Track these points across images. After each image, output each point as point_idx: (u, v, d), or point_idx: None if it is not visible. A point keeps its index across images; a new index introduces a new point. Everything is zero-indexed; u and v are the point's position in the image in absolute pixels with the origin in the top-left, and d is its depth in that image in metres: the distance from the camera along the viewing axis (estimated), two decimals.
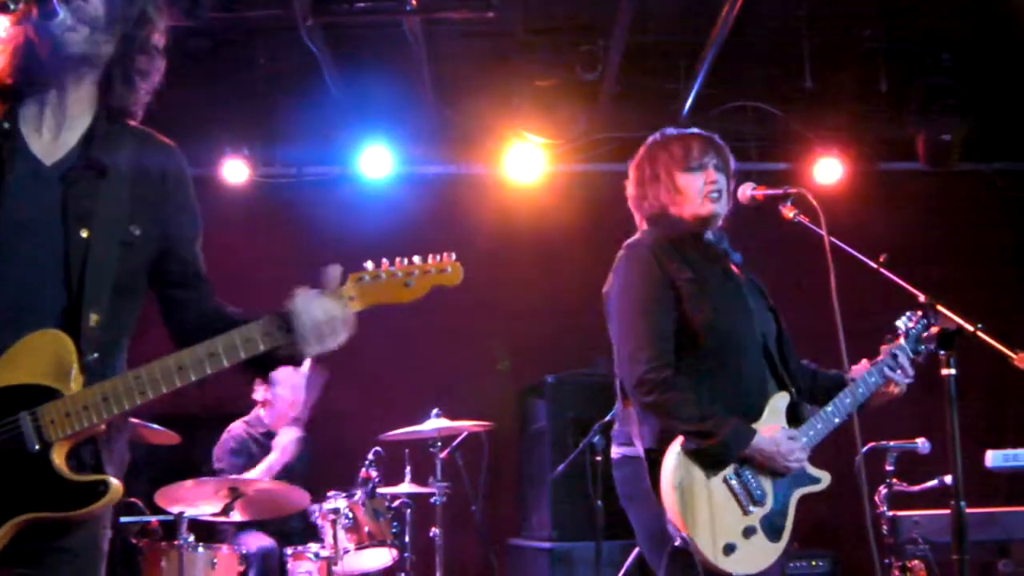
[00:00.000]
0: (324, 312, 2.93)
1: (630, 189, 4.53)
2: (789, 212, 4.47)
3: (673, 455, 4.01)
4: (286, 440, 7.36)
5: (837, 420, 4.33)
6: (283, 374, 7.42)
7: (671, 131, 4.56)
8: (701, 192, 4.36)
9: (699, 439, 4.02)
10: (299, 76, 8.53)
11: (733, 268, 4.42)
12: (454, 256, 3.09)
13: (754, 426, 4.14)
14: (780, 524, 4.14)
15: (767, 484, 4.13)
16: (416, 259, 3.05)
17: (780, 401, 4.26)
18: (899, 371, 4.44)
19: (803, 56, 8.45)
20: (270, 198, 9.24)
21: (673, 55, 8.68)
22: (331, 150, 9.21)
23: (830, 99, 8.85)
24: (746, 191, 4.58)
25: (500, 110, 8.91)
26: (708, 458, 4.03)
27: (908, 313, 4.58)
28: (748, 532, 4.05)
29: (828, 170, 9.20)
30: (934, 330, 3.94)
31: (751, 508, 4.07)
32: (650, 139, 4.56)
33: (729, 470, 4.07)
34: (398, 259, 3.04)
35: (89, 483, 2.81)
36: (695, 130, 4.55)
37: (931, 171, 9.20)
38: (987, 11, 8.07)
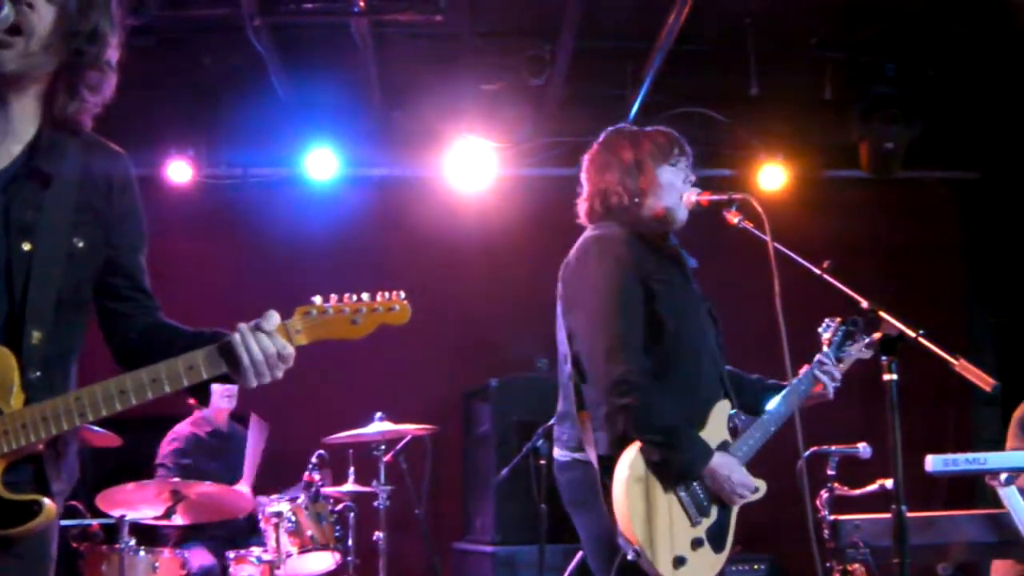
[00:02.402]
0: (267, 348, 2.88)
1: (596, 177, 4.45)
2: (734, 218, 4.48)
3: (626, 465, 3.98)
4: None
5: (773, 428, 4.40)
6: None
7: (643, 127, 4.57)
8: (680, 190, 4.41)
9: (663, 451, 4.00)
10: (245, 76, 8.48)
11: (690, 276, 4.44)
12: (403, 295, 3.09)
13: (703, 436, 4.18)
14: (724, 534, 4.17)
15: (712, 495, 4.15)
16: (365, 296, 3.04)
17: (722, 410, 4.29)
18: (827, 375, 4.54)
19: (749, 63, 8.50)
20: (215, 199, 9.17)
21: (620, 60, 8.71)
22: (277, 151, 9.14)
23: (775, 106, 8.91)
24: (691, 196, 4.58)
25: (447, 113, 8.89)
26: (668, 471, 4.02)
27: (826, 321, 4.71)
28: (696, 544, 4.05)
29: (772, 176, 9.28)
30: (876, 336, 3.97)
31: (699, 519, 4.08)
32: (625, 128, 4.56)
33: (679, 483, 4.07)
34: (347, 296, 3.01)
35: (24, 503, 2.76)
36: (662, 127, 4.60)
37: (874, 179, 9.30)
38: (930, 23, 8.16)
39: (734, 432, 4.33)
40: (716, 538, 4.12)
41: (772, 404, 4.43)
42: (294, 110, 8.76)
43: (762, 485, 4.29)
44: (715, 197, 4.51)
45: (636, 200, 4.34)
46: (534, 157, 9.26)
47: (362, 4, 7.38)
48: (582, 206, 4.50)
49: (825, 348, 4.65)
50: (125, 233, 3.05)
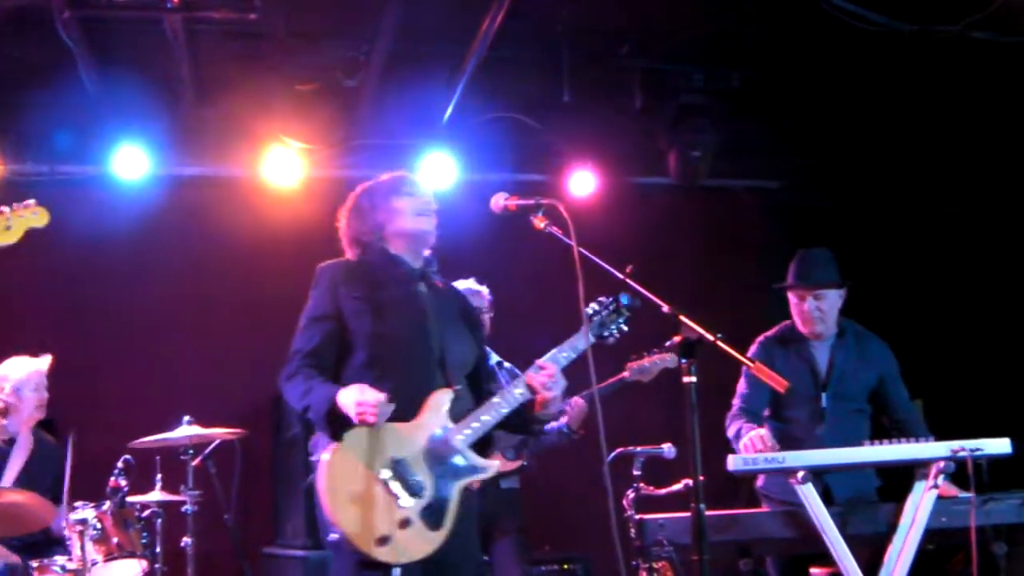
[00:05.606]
0: None
1: (344, 225, 4.92)
2: (540, 223, 4.57)
3: (325, 460, 4.34)
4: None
5: (506, 410, 4.55)
6: (26, 373, 7.17)
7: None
8: (415, 210, 4.76)
9: (305, 413, 4.45)
10: (54, 71, 8.23)
11: (426, 289, 4.73)
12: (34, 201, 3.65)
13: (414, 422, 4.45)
14: (441, 514, 4.39)
15: (426, 478, 4.39)
16: (4, 208, 3.69)
17: (440, 398, 4.51)
18: (539, 381, 4.56)
19: (562, 71, 8.61)
20: (20, 196, 8.82)
21: (435, 64, 8.73)
22: (85, 149, 8.91)
23: (586, 113, 9.03)
24: (499, 201, 4.68)
25: (259, 113, 8.78)
26: (318, 427, 4.43)
27: (600, 299, 4.64)
28: (404, 524, 4.31)
29: (582, 182, 9.44)
30: (676, 339, 4.07)
31: (407, 500, 4.32)
32: (363, 184, 5.01)
33: (386, 466, 4.33)
34: None
35: None
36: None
37: (681, 186, 9.51)
38: (737, 34, 8.38)
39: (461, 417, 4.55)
40: (432, 516, 4.36)
41: (502, 392, 4.61)
42: (104, 107, 8.54)
43: (492, 465, 4.55)
44: (522, 202, 4.63)
45: (379, 232, 4.78)
46: (347, 159, 9.20)
47: (175, 1, 7.26)
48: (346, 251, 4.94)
49: (583, 329, 4.60)
50: None
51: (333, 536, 4.27)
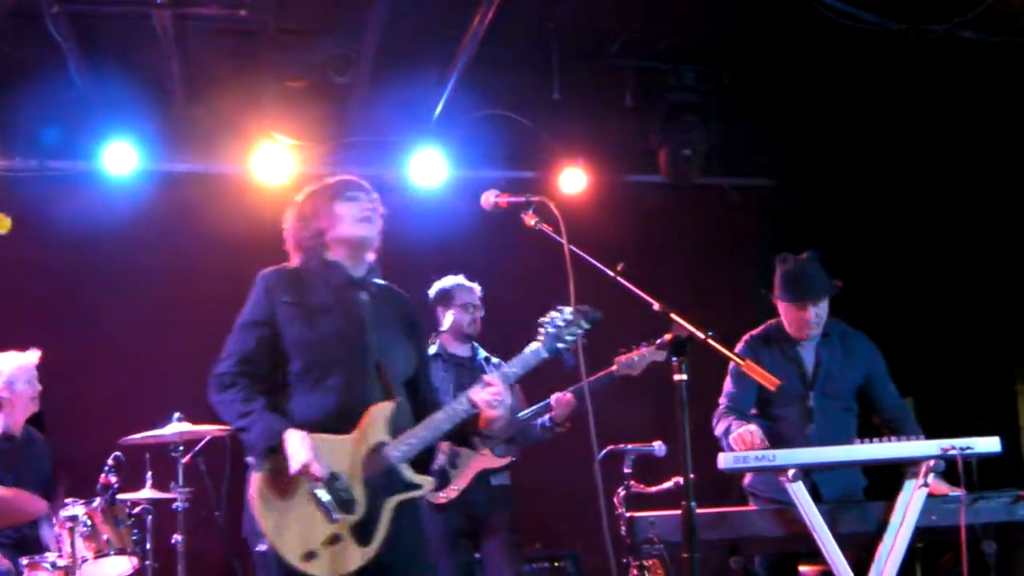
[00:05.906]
0: None
1: (288, 227, 4.86)
2: (531, 220, 4.57)
3: (259, 469, 4.34)
4: None
5: (446, 427, 4.51)
6: (16, 366, 7.14)
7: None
8: (356, 216, 4.67)
9: (242, 435, 4.38)
10: (42, 66, 8.21)
11: (367, 297, 4.68)
12: None
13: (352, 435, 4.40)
14: (371, 530, 4.33)
15: (360, 493, 4.35)
16: None
17: (380, 411, 4.45)
18: (483, 398, 4.52)
19: (552, 68, 8.61)
20: (9, 193, 8.86)
21: (425, 61, 8.72)
22: (75, 144, 8.88)
23: (576, 111, 9.04)
24: (489, 198, 4.68)
25: (249, 110, 8.77)
26: (251, 453, 4.37)
27: (558, 307, 4.59)
28: (333, 540, 4.28)
29: (572, 180, 9.42)
30: (667, 337, 4.07)
31: (337, 517, 4.28)
32: (309, 187, 4.89)
33: (319, 482, 4.28)
34: None
35: None
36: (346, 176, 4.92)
37: (671, 184, 9.52)
38: (728, 32, 8.39)
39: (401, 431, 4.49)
40: (362, 533, 4.32)
41: (443, 408, 4.56)
42: (93, 102, 8.52)
43: (426, 482, 4.48)
44: (513, 199, 4.63)
45: (320, 238, 4.71)
46: (337, 156, 9.17)
47: None
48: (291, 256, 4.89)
49: (536, 344, 4.58)
50: None
51: (261, 547, 4.25)
